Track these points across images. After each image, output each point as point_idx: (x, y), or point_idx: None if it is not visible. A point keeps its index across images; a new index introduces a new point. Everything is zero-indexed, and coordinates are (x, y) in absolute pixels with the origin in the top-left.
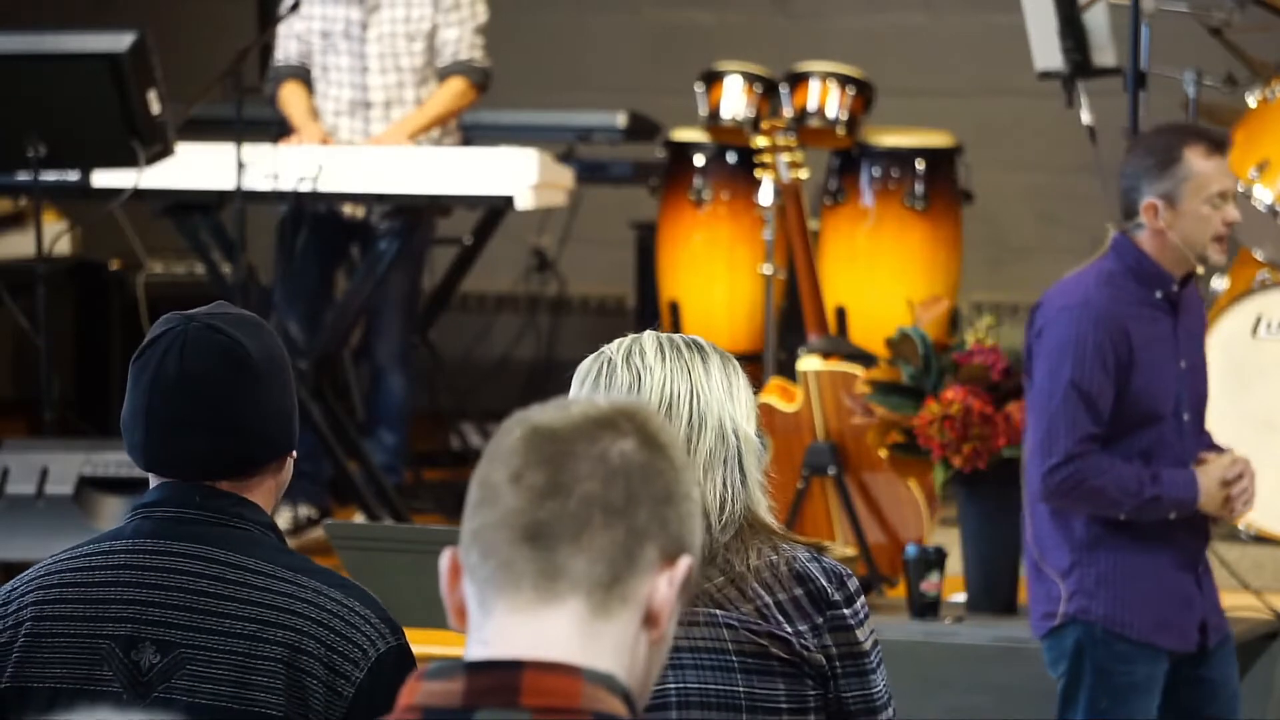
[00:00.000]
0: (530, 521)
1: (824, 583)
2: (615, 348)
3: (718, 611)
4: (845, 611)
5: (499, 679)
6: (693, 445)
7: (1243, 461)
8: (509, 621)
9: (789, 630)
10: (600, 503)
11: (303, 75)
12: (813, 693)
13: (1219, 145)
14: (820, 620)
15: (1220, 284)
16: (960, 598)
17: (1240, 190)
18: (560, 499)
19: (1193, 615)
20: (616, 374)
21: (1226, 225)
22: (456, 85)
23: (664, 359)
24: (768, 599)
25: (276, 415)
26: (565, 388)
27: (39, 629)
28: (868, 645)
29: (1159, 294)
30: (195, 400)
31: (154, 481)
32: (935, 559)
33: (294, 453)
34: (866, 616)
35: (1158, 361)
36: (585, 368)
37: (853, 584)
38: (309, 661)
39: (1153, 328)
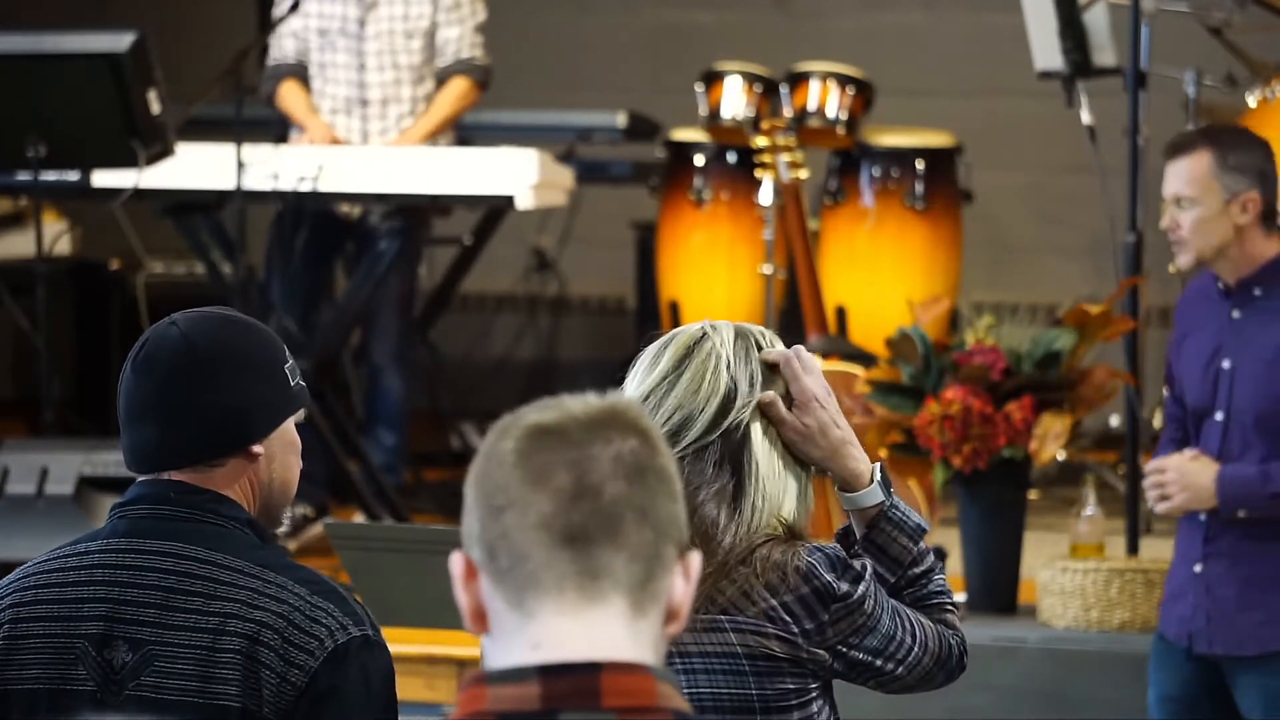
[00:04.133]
0: (566, 523)
1: (828, 577)
2: (728, 342)
3: (723, 617)
4: (854, 597)
5: (577, 681)
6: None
7: (1169, 462)
8: (558, 623)
9: (795, 630)
10: (627, 502)
11: (300, 73)
12: (814, 684)
13: (1171, 149)
14: (826, 617)
15: None
16: (960, 598)
17: None
18: (591, 500)
19: (1180, 608)
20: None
21: (1167, 229)
22: (460, 85)
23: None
24: (774, 601)
25: (220, 409)
26: (565, 388)
27: (15, 631)
28: (871, 612)
29: (1220, 285)
30: (139, 392)
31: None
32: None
33: (259, 449)
34: (869, 590)
35: (1194, 353)
36: (675, 350)
37: (858, 563)
38: (265, 652)
39: (1205, 319)
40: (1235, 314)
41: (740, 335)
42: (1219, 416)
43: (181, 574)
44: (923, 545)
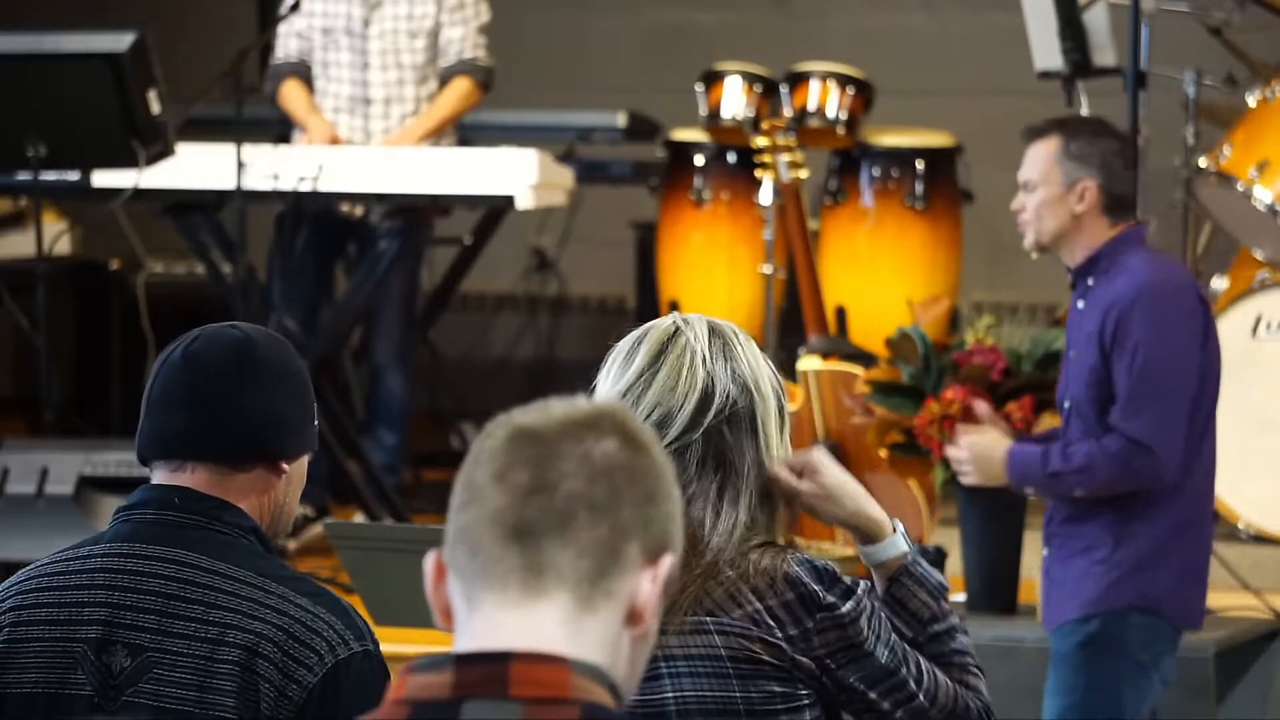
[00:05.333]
0: (516, 519)
1: (815, 586)
2: (702, 340)
3: (708, 619)
4: (841, 611)
5: (488, 670)
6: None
7: (963, 439)
8: (496, 615)
9: (779, 635)
10: (584, 500)
11: (302, 72)
12: (804, 691)
13: (1025, 134)
14: (810, 624)
15: (1220, 284)
16: (960, 598)
17: (1240, 190)
18: (545, 496)
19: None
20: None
21: (1016, 210)
22: (462, 85)
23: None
24: (759, 605)
25: (265, 414)
26: (565, 388)
27: (16, 634)
28: (863, 635)
29: (1070, 280)
30: (187, 378)
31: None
32: (935, 559)
33: (286, 468)
34: (862, 609)
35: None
36: (646, 350)
37: (849, 578)
38: (264, 665)
39: (1071, 314)
40: (1079, 304)
41: (714, 332)
42: (1066, 405)
43: (183, 581)
44: (944, 604)
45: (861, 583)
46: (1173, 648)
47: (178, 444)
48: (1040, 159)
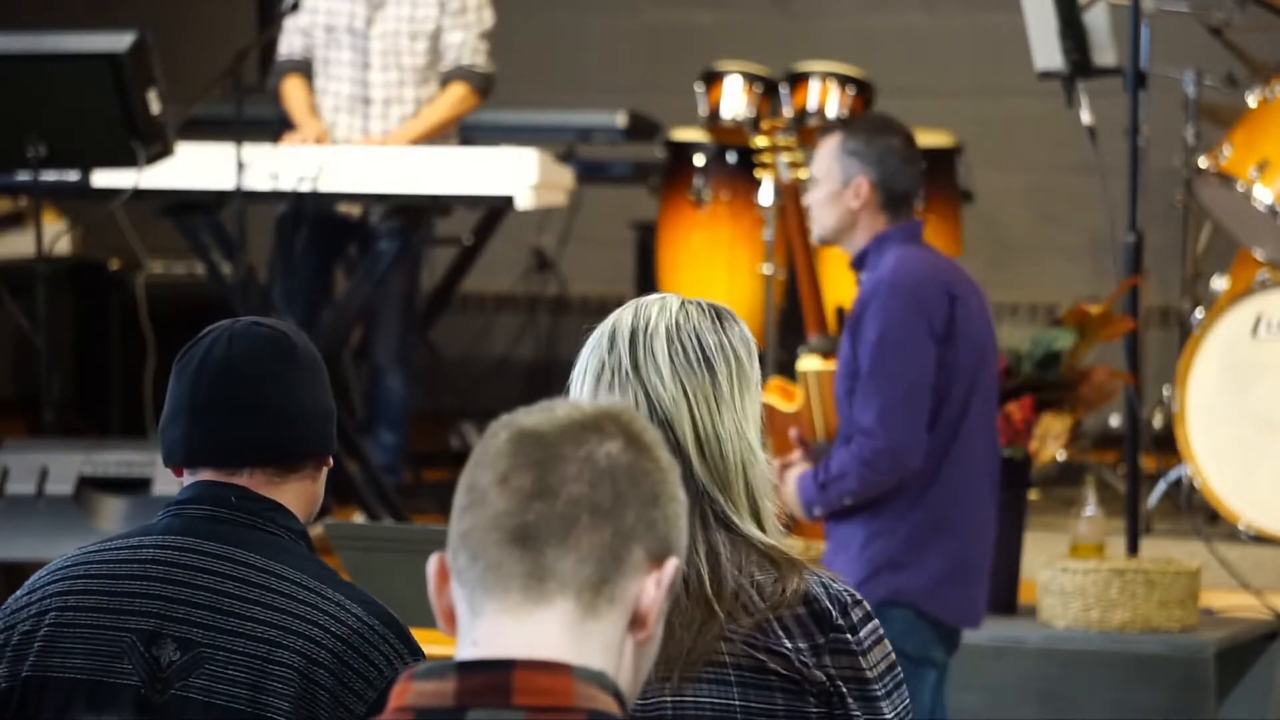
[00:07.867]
0: (518, 523)
1: (828, 605)
2: (625, 347)
3: None
4: (849, 637)
5: (491, 678)
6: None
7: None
8: (499, 622)
9: (788, 646)
10: (587, 504)
11: (304, 70)
12: (814, 710)
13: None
14: (821, 640)
15: (1220, 284)
16: None
17: (1240, 190)
18: (547, 500)
19: None
20: (627, 383)
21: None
22: (457, 91)
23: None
24: (769, 615)
25: (316, 411)
26: (566, 388)
27: (63, 619)
28: (874, 673)
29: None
30: (239, 383)
31: (188, 479)
32: None
33: (330, 462)
34: (876, 643)
35: None
36: (591, 363)
37: (858, 612)
38: (322, 674)
39: None
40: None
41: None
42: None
43: (238, 580)
44: None
45: (873, 625)
46: (943, 643)
47: (237, 451)
48: (821, 156)
